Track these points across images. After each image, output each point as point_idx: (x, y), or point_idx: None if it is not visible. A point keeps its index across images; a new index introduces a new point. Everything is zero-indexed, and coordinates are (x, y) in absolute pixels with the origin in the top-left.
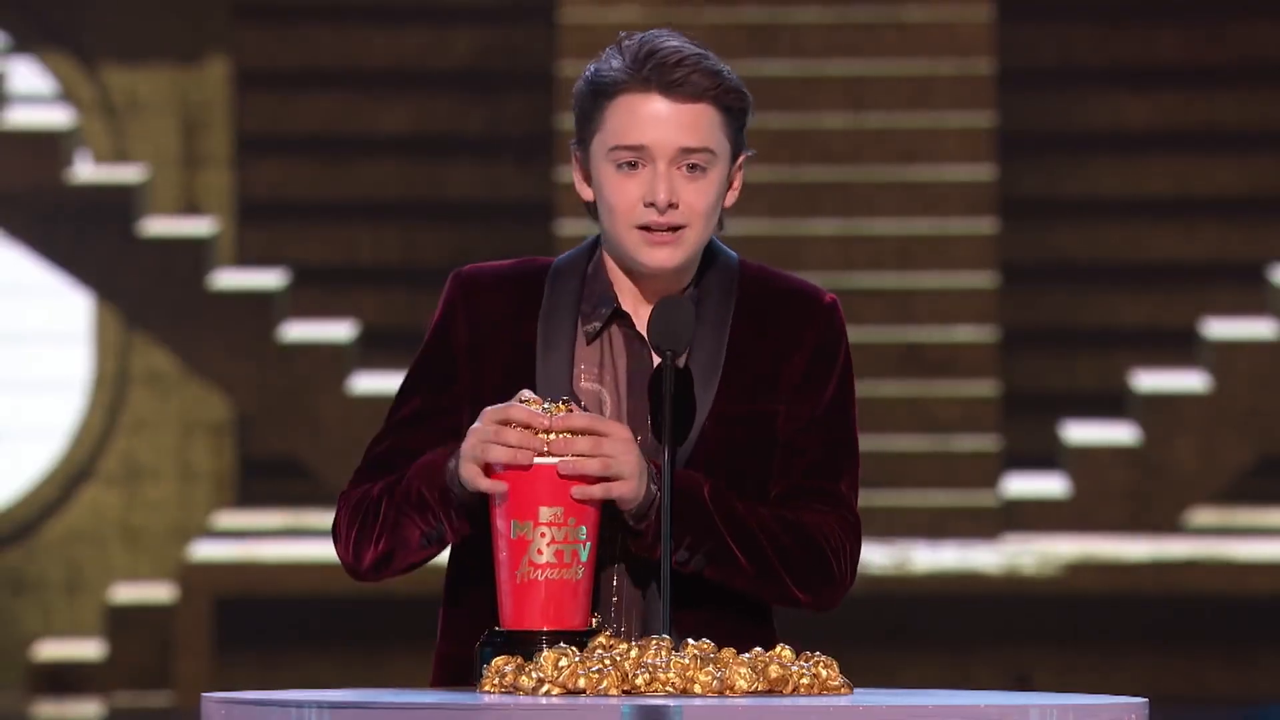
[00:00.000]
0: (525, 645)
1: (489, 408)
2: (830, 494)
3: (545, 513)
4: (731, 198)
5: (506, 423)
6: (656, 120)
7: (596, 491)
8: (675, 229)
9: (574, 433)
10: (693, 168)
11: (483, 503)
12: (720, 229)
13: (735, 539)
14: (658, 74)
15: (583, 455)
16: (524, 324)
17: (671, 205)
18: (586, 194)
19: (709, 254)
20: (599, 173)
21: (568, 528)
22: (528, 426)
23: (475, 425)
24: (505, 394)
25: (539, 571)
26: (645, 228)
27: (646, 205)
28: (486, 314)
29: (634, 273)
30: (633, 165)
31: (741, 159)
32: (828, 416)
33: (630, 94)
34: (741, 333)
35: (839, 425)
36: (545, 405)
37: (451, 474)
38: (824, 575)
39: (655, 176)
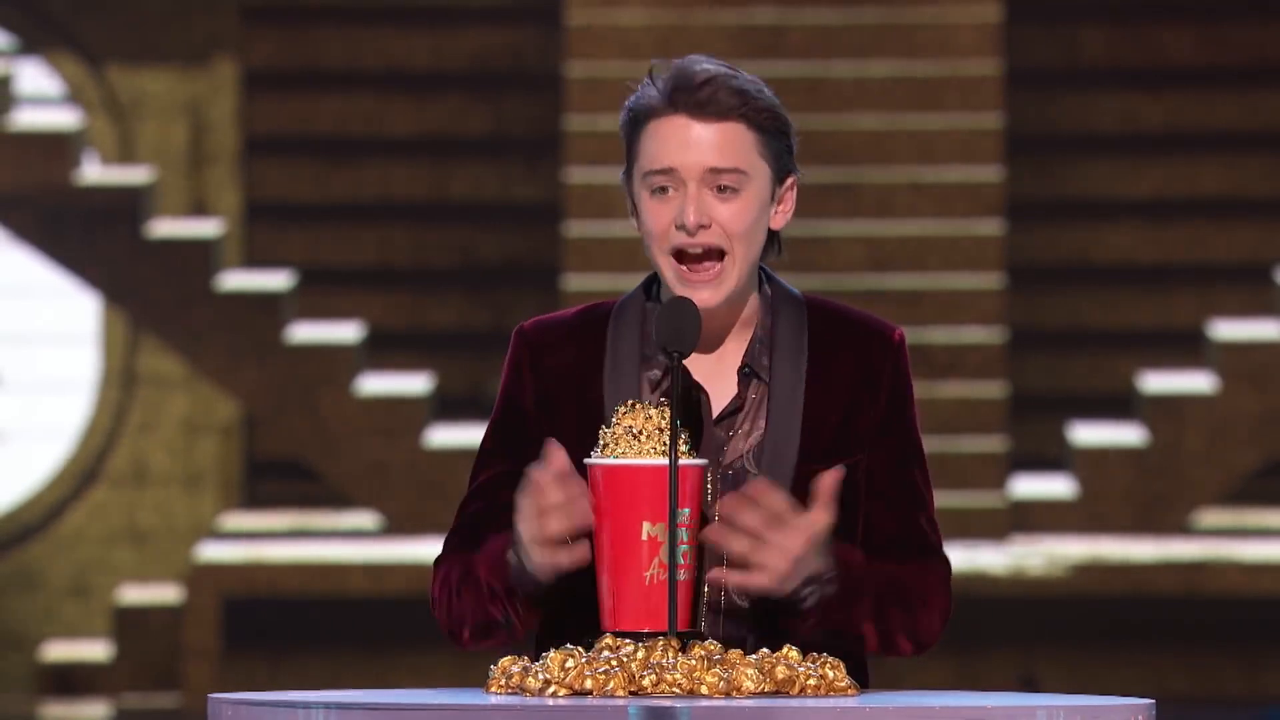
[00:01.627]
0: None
1: (518, 496)
2: (926, 542)
3: (683, 514)
4: (780, 220)
5: (538, 490)
6: (684, 142)
7: (755, 580)
8: (711, 254)
9: (771, 513)
10: (723, 189)
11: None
12: (778, 254)
13: (854, 598)
14: (684, 95)
15: (740, 533)
16: (590, 379)
17: (702, 226)
18: (637, 226)
19: (776, 296)
20: (638, 200)
21: (693, 529)
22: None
23: (517, 515)
24: (578, 451)
25: (677, 572)
26: (680, 253)
27: (678, 228)
28: (552, 371)
29: None
30: (664, 190)
31: (791, 180)
32: (910, 457)
33: (659, 118)
34: (817, 379)
35: (919, 463)
36: (617, 406)
37: (516, 569)
38: (920, 631)
39: (685, 198)
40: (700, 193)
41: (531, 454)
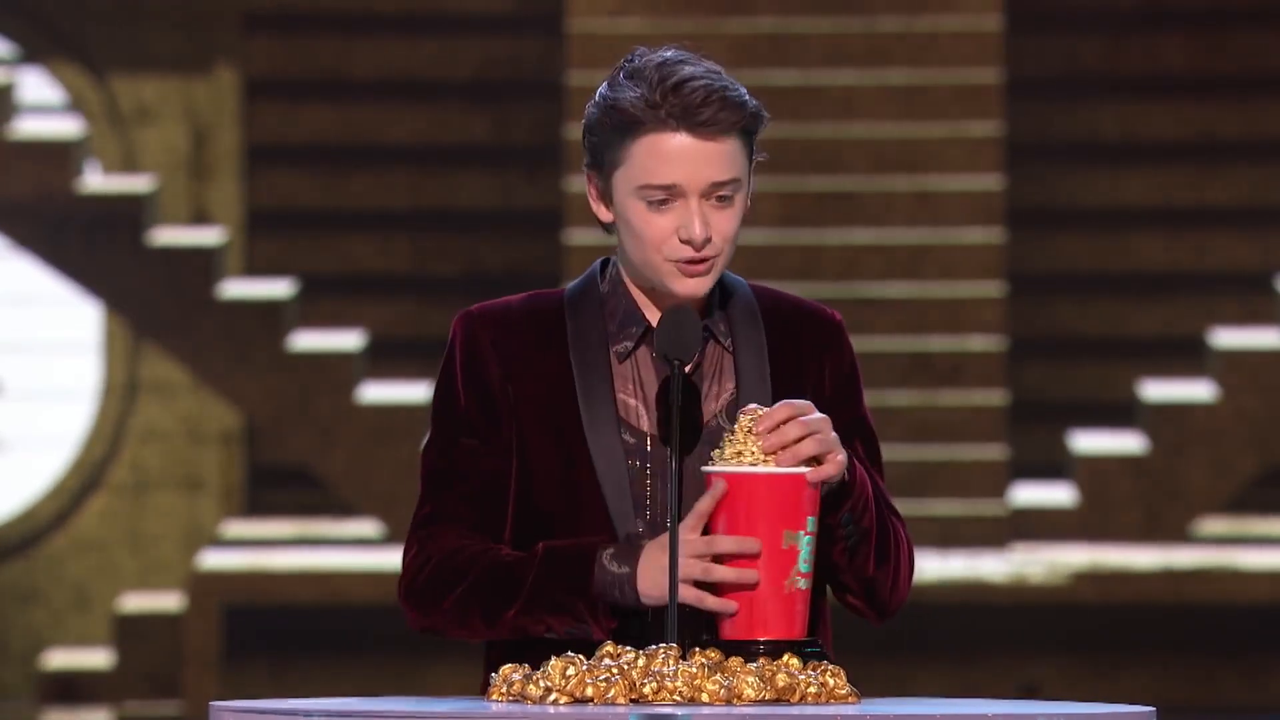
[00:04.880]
0: (803, 655)
1: (694, 539)
2: (894, 511)
3: (811, 522)
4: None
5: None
6: (685, 158)
7: (830, 469)
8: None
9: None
10: (722, 198)
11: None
12: None
13: (878, 531)
14: (683, 114)
15: (797, 441)
16: (550, 356)
17: (707, 240)
18: (605, 216)
19: (723, 282)
20: (625, 206)
21: (816, 536)
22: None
23: (684, 546)
24: (547, 429)
25: (804, 581)
26: (683, 261)
27: (683, 241)
28: (511, 348)
29: (656, 292)
30: (663, 201)
31: (752, 165)
32: (863, 427)
33: (658, 133)
34: (775, 360)
35: (872, 433)
36: (741, 414)
37: (616, 582)
38: (903, 585)
39: (689, 213)
40: (702, 206)
41: (502, 432)
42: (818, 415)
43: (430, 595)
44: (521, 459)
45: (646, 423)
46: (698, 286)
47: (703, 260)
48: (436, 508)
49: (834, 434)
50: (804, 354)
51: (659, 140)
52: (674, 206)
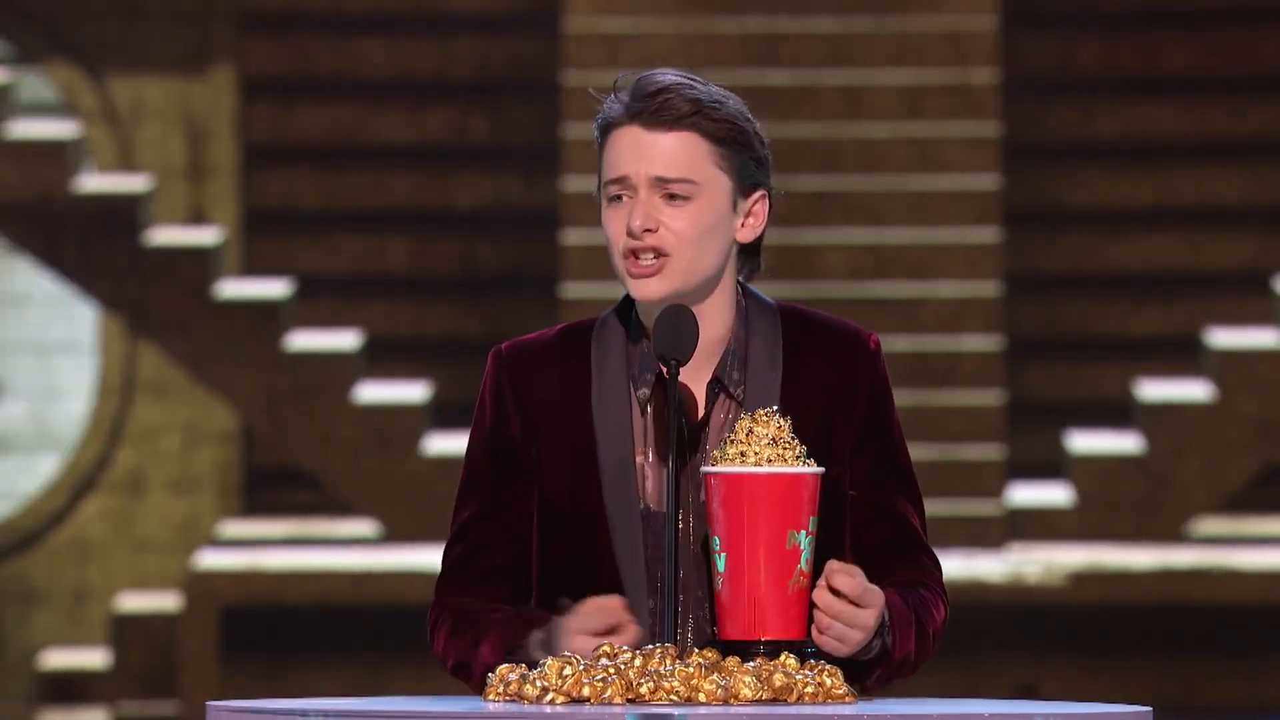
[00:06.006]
0: (801, 654)
1: (569, 626)
2: (922, 549)
3: (813, 522)
4: (748, 234)
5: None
6: (635, 151)
7: (844, 649)
8: (658, 256)
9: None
10: (674, 197)
11: None
12: (758, 268)
13: (917, 643)
14: (639, 105)
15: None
16: (575, 403)
17: (647, 230)
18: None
19: (751, 309)
20: (601, 208)
21: (815, 537)
22: (606, 632)
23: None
24: (569, 482)
25: (805, 580)
26: (632, 255)
27: (628, 234)
28: (536, 397)
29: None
30: (619, 198)
31: (759, 194)
32: (895, 462)
33: (618, 129)
34: (791, 392)
35: (904, 465)
36: (744, 415)
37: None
38: (939, 636)
39: (635, 205)
40: (650, 199)
41: (519, 484)
42: (865, 611)
43: (440, 654)
44: (543, 508)
45: (651, 486)
46: (649, 290)
47: (652, 258)
48: (450, 578)
49: (864, 622)
50: (828, 393)
51: (619, 135)
52: (628, 203)
